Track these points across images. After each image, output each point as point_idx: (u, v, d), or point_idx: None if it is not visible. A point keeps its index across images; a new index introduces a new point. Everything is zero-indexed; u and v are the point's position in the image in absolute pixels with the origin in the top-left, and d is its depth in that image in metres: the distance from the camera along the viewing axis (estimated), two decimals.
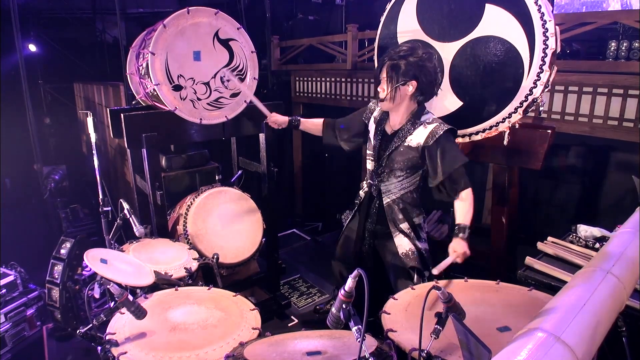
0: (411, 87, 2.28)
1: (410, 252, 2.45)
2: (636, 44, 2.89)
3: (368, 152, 2.57)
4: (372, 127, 2.57)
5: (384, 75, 2.33)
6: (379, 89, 2.38)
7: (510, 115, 2.44)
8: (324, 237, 5.20)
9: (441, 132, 2.26)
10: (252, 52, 3.01)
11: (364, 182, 2.63)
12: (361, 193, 2.64)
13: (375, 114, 2.58)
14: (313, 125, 2.88)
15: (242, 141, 3.78)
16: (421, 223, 2.51)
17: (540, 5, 2.22)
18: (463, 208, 2.24)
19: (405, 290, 2.04)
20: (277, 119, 2.88)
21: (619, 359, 1.65)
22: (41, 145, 4.84)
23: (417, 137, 2.32)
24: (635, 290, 1.83)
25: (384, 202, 2.49)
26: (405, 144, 2.35)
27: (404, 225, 2.46)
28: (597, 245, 2.34)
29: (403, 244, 2.46)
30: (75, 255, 3.13)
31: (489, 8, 2.40)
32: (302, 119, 2.89)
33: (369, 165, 2.56)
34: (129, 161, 3.19)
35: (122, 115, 2.76)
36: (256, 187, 3.66)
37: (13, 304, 3.16)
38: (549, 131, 2.61)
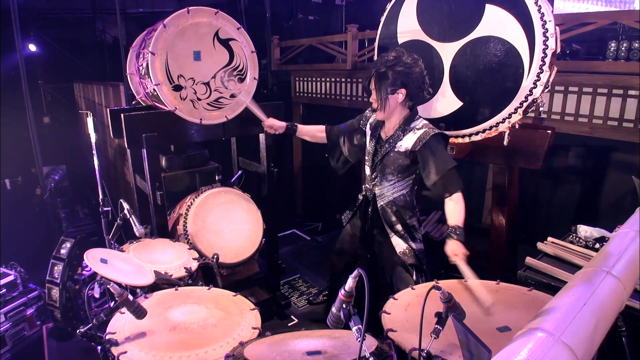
0: (401, 95, 2.34)
1: (407, 251, 2.51)
2: (636, 44, 2.89)
3: (365, 157, 2.63)
4: (368, 133, 2.64)
5: (373, 86, 2.39)
6: (371, 100, 2.45)
7: (510, 116, 2.44)
8: (323, 237, 5.20)
9: (428, 137, 2.31)
10: (252, 52, 3.01)
11: (363, 185, 2.70)
12: (360, 196, 2.72)
13: (371, 120, 2.64)
14: (312, 131, 2.90)
15: (242, 141, 3.78)
16: (415, 225, 2.55)
17: (540, 6, 2.22)
18: (455, 209, 2.27)
19: (405, 290, 2.05)
20: (274, 124, 2.89)
21: (619, 359, 1.65)
22: (41, 145, 4.82)
23: (406, 143, 2.38)
24: (635, 290, 1.83)
25: (378, 205, 2.56)
26: (395, 149, 2.42)
27: (398, 227, 2.52)
28: (597, 245, 2.34)
29: (399, 243, 2.53)
30: (75, 255, 3.13)
31: (489, 8, 2.41)
32: (299, 125, 2.90)
33: (366, 170, 2.64)
34: (129, 161, 3.18)
35: (122, 115, 2.75)
36: (256, 187, 3.66)
37: (13, 303, 3.16)
38: (549, 131, 2.61)
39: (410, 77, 2.31)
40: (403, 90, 2.33)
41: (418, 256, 2.52)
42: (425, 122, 2.42)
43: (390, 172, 2.46)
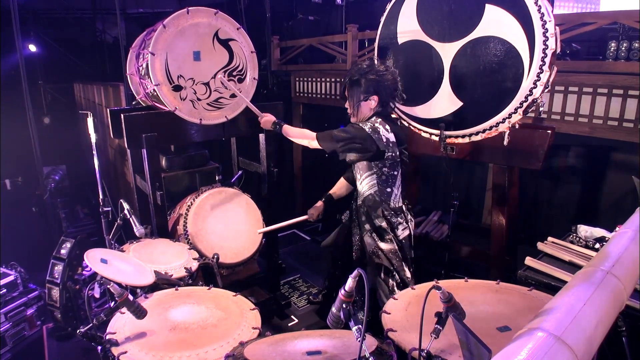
0: (373, 101, 2.45)
1: (377, 250, 2.55)
2: (636, 44, 2.88)
3: None
4: None
5: (346, 93, 2.53)
6: (346, 106, 2.56)
7: (510, 116, 2.44)
8: (323, 237, 5.19)
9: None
10: (251, 52, 3.01)
11: None
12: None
13: None
14: (342, 186, 2.99)
15: (242, 141, 3.78)
16: (383, 225, 2.53)
17: (540, 6, 2.22)
18: (296, 128, 2.80)
19: (406, 290, 2.05)
20: (315, 213, 2.99)
21: (619, 359, 1.65)
22: (41, 145, 4.82)
23: None
24: (635, 290, 1.83)
25: (355, 205, 2.67)
26: None
27: (367, 227, 2.58)
28: (597, 245, 2.34)
29: (370, 242, 2.58)
30: (75, 255, 3.13)
31: (489, 8, 2.40)
32: (332, 192, 3.00)
33: None
34: (129, 161, 3.19)
35: (122, 115, 2.76)
36: (256, 187, 3.66)
37: (13, 303, 3.17)
38: (549, 131, 2.61)
39: (382, 85, 2.42)
40: (375, 97, 2.44)
41: (387, 257, 2.53)
42: (373, 118, 2.47)
43: (353, 169, 2.59)
